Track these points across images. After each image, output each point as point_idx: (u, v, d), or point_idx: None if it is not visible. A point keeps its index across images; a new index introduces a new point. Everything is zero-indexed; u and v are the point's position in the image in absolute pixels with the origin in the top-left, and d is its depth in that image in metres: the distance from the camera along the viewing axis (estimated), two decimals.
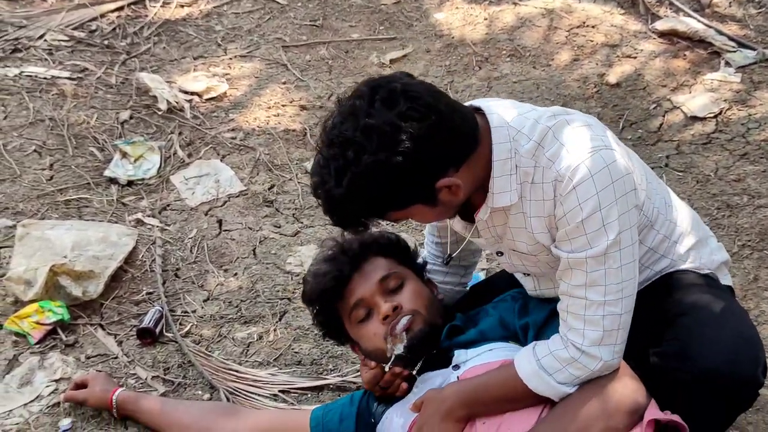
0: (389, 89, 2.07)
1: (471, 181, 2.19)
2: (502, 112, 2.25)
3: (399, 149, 2.03)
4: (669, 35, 4.76)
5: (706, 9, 4.94)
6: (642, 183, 2.31)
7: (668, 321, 2.31)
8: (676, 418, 2.22)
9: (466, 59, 4.69)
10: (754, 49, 4.61)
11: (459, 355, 2.42)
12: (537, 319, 2.43)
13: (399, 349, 2.42)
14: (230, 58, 4.75)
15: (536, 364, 2.23)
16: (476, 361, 2.38)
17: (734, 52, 4.63)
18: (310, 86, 4.52)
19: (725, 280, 2.53)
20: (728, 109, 4.23)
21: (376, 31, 4.96)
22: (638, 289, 2.39)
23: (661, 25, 4.79)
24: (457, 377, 2.38)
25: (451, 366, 2.41)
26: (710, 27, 4.75)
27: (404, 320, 2.41)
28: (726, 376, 2.20)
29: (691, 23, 4.77)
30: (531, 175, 2.21)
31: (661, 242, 2.40)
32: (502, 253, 2.47)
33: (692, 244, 2.46)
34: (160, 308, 3.21)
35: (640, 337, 2.33)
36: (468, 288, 2.85)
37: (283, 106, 4.37)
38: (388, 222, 2.33)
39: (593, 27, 4.85)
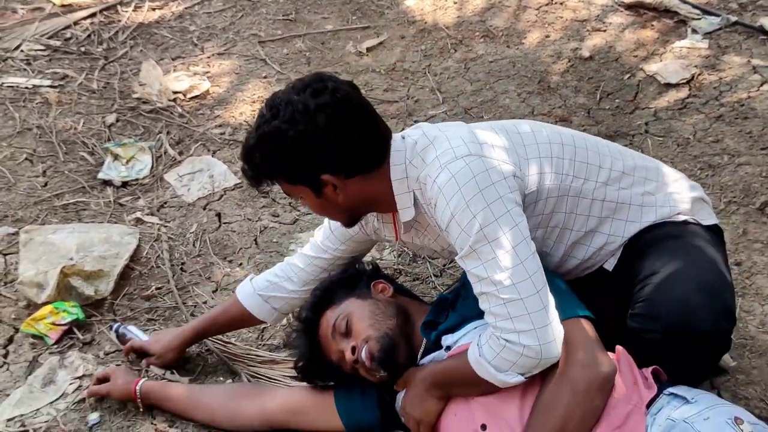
0: (324, 84, 2.38)
1: (365, 193, 2.47)
2: (411, 135, 2.50)
3: (299, 128, 2.33)
4: (635, 7, 4.90)
5: None
6: (541, 152, 2.48)
7: (641, 283, 2.42)
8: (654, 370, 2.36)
9: (441, 43, 4.79)
10: (718, 15, 4.75)
11: (446, 339, 2.55)
12: None
13: (380, 372, 2.57)
14: (208, 57, 4.81)
15: (478, 351, 2.36)
16: (465, 339, 2.50)
17: (699, 19, 4.77)
18: (291, 79, 4.57)
19: (706, 219, 2.62)
20: (699, 74, 4.37)
21: (350, 21, 5.05)
22: (613, 245, 2.56)
23: None
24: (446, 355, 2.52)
25: (444, 348, 2.54)
26: None
27: (363, 354, 2.55)
28: (687, 330, 2.31)
29: None
30: (420, 196, 2.45)
31: (603, 190, 2.52)
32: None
33: (654, 188, 2.58)
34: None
35: (622, 303, 2.45)
36: None
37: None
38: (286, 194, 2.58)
39: (561, 3, 4.97)
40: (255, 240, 3.65)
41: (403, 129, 4.12)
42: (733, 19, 4.71)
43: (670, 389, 2.31)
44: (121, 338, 3.14)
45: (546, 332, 2.25)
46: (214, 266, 3.53)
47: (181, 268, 3.53)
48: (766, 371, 2.85)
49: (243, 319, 3.02)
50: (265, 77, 4.62)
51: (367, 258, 3.37)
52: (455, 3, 5.07)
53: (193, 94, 4.49)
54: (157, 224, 3.73)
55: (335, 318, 2.63)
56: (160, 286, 3.43)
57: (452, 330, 2.54)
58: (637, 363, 2.39)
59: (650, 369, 2.37)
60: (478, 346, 2.35)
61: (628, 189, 2.55)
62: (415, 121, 4.22)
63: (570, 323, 2.34)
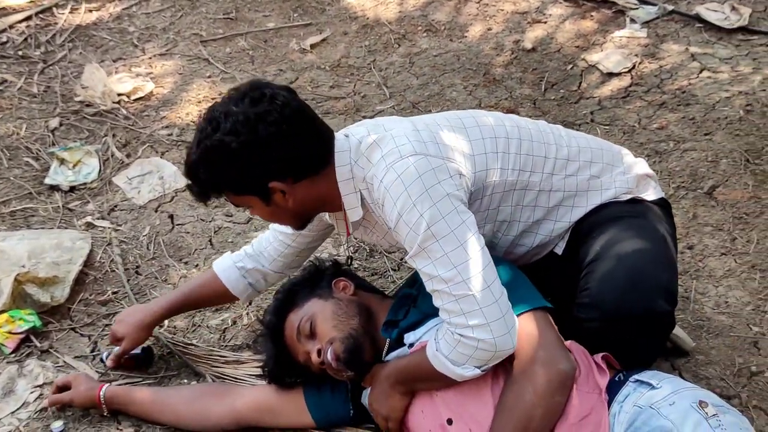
0: (261, 92, 2.36)
1: (313, 195, 2.46)
2: (355, 134, 2.49)
3: (241, 139, 2.31)
4: None
5: None
6: (486, 148, 2.49)
7: (584, 270, 2.47)
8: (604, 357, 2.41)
9: (384, 38, 4.80)
10: (654, 5, 4.84)
11: (408, 336, 2.56)
12: None
13: (347, 372, 2.58)
14: (150, 58, 4.76)
15: (435, 346, 2.38)
16: (427, 336, 2.51)
17: (636, 9, 4.85)
18: (236, 78, 4.56)
19: (651, 194, 2.67)
20: (640, 63, 4.45)
21: (291, 19, 5.03)
22: (561, 228, 2.59)
23: None
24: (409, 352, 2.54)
25: (407, 346, 2.56)
26: None
27: (329, 356, 2.55)
28: (621, 315, 2.37)
29: None
30: (368, 195, 2.45)
31: (549, 180, 2.56)
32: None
33: (599, 170, 2.62)
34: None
35: (571, 291, 2.50)
36: None
37: (212, 99, 4.40)
38: (233, 204, 2.55)
39: None
40: (210, 240, 3.62)
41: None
42: (670, 8, 4.80)
43: (636, 376, 2.36)
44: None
45: (499, 325, 2.27)
46: (170, 268, 3.49)
47: (136, 272, 3.49)
48: (724, 351, 2.92)
49: (217, 295, 2.99)
50: (209, 77, 4.59)
51: (325, 254, 3.38)
52: None
53: (137, 96, 4.43)
54: (109, 228, 3.68)
55: (299, 320, 2.62)
56: (116, 290, 3.39)
57: (414, 327, 2.55)
58: (589, 351, 2.43)
59: (601, 356, 2.41)
60: (435, 341, 2.38)
61: (574, 176, 2.58)
62: (363, 117, 4.22)
63: (528, 317, 2.37)
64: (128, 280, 3.41)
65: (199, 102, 4.39)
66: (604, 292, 2.39)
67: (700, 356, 2.89)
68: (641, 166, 2.71)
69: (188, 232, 3.67)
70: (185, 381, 3.01)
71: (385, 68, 4.58)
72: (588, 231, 2.57)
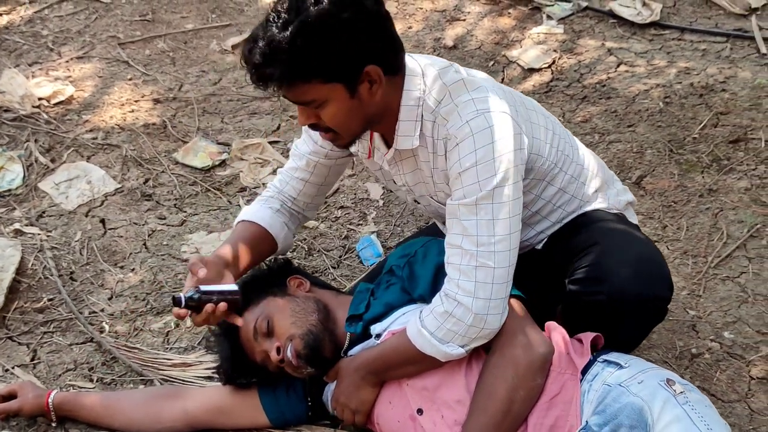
0: None
1: (386, 100, 2.33)
2: (420, 62, 2.41)
3: (350, 12, 2.17)
4: None
5: None
6: (543, 135, 2.50)
7: (578, 254, 2.50)
8: (590, 335, 2.46)
9: None
10: (569, 1, 4.94)
11: (375, 328, 2.57)
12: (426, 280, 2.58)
13: (307, 369, 2.57)
14: (67, 61, 4.66)
15: (419, 323, 2.39)
16: (395, 326, 2.53)
17: (552, 5, 4.95)
18: (158, 80, 4.51)
19: (632, 219, 2.76)
20: (559, 58, 4.54)
21: (210, 20, 4.99)
22: (552, 229, 2.62)
23: None
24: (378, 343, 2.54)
25: (373, 337, 2.56)
26: None
27: (289, 353, 2.54)
28: (636, 293, 2.41)
29: None
30: (429, 128, 2.39)
31: (569, 183, 2.59)
32: (418, 202, 2.64)
33: (599, 185, 2.68)
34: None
35: (557, 273, 2.54)
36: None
37: (135, 101, 4.35)
38: (300, 101, 2.31)
39: None
40: (144, 244, 3.57)
41: (279, 126, 4.16)
42: (584, 4, 4.91)
43: (604, 356, 2.42)
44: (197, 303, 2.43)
45: (497, 305, 2.31)
46: (106, 273, 3.43)
47: (71, 278, 3.42)
48: (665, 335, 3.01)
49: (257, 241, 2.71)
50: (130, 79, 4.52)
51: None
52: None
53: (57, 100, 4.34)
54: (38, 234, 3.60)
55: (255, 319, 2.58)
56: (51, 297, 3.32)
57: (379, 319, 2.56)
58: (571, 330, 2.48)
59: (591, 335, 2.46)
60: (419, 319, 2.38)
61: (585, 185, 2.63)
62: (291, 116, 4.22)
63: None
64: (63, 286, 3.34)
65: (122, 105, 4.32)
66: (615, 269, 2.40)
67: (644, 341, 2.97)
68: (629, 195, 2.78)
69: (121, 236, 3.61)
70: (132, 386, 2.97)
71: None
72: (574, 227, 2.61)
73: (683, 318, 3.05)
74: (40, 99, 4.32)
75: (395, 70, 2.33)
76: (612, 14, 4.82)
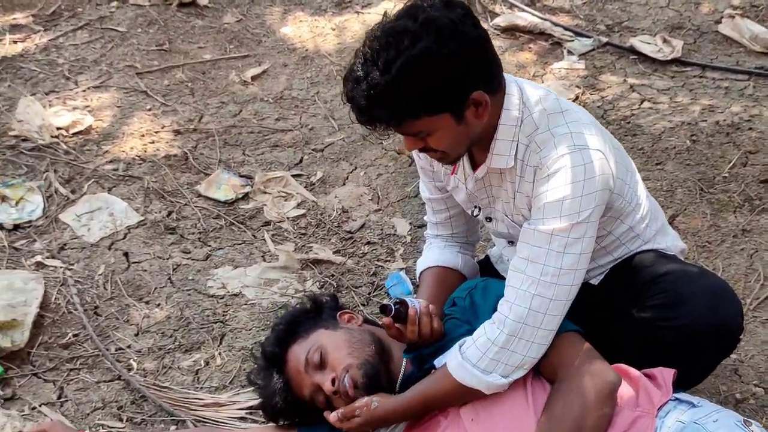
0: (439, 1, 2.23)
1: (486, 119, 2.32)
2: (518, 81, 2.42)
3: (452, 45, 2.16)
4: (510, 30, 5.01)
5: (537, 3, 5.23)
6: (624, 175, 2.49)
7: (648, 284, 2.48)
8: (668, 371, 2.41)
9: (325, 70, 4.76)
10: (589, 37, 4.92)
11: (437, 361, 2.50)
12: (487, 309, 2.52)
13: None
14: (84, 90, 4.61)
15: (460, 356, 2.36)
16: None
17: (572, 41, 4.93)
18: (177, 110, 4.45)
19: None
20: (582, 93, 4.51)
21: (228, 50, 4.94)
22: (611, 264, 2.59)
23: (501, 22, 5.03)
24: None
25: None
26: (545, 20, 5.03)
27: (346, 384, 2.47)
28: (712, 323, 2.39)
29: (528, 17, 5.03)
30: (522, 152, 2.38)
31: (638, 223, 2.59)
32: (490, 219, 2.63)
33: (659, 227, 2.68)
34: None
35: (622, 303, 2.51)
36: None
37: (156, 132, 4.29)
38: (408, 134, 2.33)
39: None
40: (169, 278, 3.51)
41: (301, 159, 4.11)
42: (604, 40, 4.88)
43: (675, 395, 2.37)
44: (398, 315, 2.52)
45: (545, 336, 2.32)
46: (131, 308, 3.37)
47: (95, 312, 3.35)
48: (708, 380, 2.86)
49: (448, 284, 2.77)
50: (149, 109, 4.46)
51: (291, 290, 3.32)
52: (333, 30, 5.05)
53: (76, 130, 4.27)
54: (61, 267, 3.53)
55: (306, 351, 2.53)
56: (76, 332, 3.25)
57: (438, 352, 2.51)
58: (638, 364, 2.43)
59: (669, 372, 2.40)
60: (460, 351, 2.35)
61: (649, 226, 2.62)
62: (314, 150, 4.17)
63: (566, 337, 2.39)
64: (89, 321, 3.27)
65: (142, 135, 4.26)
66: (690, 296, 2.39)
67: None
68: (680, 241, 2.78)
69: (146, 270, 3.54)
70: (163, 426, 2.89)
71: (330, 100, 4.54)
72: (643, 260, 2.59)
73: (725, 362, 2.98)
74: (58, 129, 4.26)
75: (497, 88, 2.33)
76: (633, 50, 4.79)
